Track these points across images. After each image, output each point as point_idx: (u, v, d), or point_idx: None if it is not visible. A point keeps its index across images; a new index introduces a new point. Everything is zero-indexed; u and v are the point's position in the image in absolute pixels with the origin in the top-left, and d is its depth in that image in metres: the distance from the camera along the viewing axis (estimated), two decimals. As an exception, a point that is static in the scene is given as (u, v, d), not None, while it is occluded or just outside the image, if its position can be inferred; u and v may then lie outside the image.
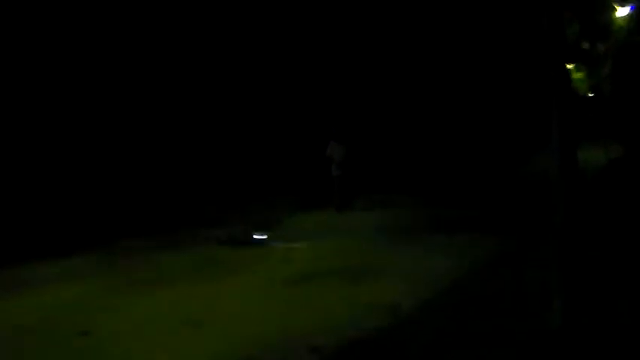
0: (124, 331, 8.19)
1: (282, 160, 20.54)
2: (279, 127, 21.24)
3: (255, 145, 20.75)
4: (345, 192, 16.94)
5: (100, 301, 9.66)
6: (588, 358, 5.69)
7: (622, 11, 10.32)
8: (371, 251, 11.95)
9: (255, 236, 14.02)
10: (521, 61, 24.72)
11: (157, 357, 7.25)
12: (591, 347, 5.75)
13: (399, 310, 8.12)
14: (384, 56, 23.61)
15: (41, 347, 7.79)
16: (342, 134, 17.17)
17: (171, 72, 18.82)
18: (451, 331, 7.02)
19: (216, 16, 19.62)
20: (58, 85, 16.38)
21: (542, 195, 6.78)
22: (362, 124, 21.57)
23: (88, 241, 14.12)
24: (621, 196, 12.64)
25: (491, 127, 26.00)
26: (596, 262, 7.39)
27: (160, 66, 18.49)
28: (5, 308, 9.72)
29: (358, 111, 22.45)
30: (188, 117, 19.33)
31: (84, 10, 16.10)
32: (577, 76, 10.97)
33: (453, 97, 25.34)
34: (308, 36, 21.59)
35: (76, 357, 7.42)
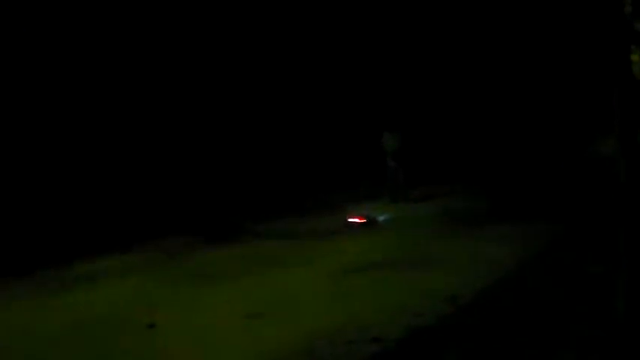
0: (187, 323, 8.31)
1: (336, 152, 20.56)
2: (331, 118, 21.27)
3: (307, 137, 20.80)
4: (400, 182, 16.90)
5: (161, 296, 9.81)
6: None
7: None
8: (427, 241, 11.95)
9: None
10: (584, 46, 24.31)
11: (221, 348, 7.33)
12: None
13: (457, 299, 8.11)
14: (440, 45, 23.45)
15: (109, 341, 7.93)
16: (396, 124, 17.14)
17: (220, 67, 18.99)
18: (509, 320, 6.98)
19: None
20: (98, 86, 16.63)
21: (606, 181, 6.67)
22: (417, 113, 21.45)
23: (142, 237, 14.28)
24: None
25: (554, 111, 25.63)
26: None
27: (206, 62, 18.66)
28: (70, 303, 9.89)
29: (414, 100, 22.33)
30: (240, 113, 19.48)
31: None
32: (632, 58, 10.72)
33: (514, 82, 25.03)
34: (367, 24, 21.55)
35: (144, 349, 7.54)
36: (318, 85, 21.33)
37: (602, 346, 5.90)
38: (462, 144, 22.51)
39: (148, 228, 14.76)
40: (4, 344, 8.09)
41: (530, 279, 8.51)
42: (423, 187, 17.92)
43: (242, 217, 15.80)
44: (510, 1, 24.05)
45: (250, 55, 19.82)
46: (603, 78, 5.60)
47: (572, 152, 22.98)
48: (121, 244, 13.64)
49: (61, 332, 8.36)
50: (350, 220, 14.46)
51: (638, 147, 5.67)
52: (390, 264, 10.39)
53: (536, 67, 25.58)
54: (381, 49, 22.38)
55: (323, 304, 8.65)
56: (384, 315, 7.83)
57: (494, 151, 22.28)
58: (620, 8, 5.24)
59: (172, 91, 18.06)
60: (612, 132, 5.49)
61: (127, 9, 17.00)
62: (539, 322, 6.83)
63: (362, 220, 14.41)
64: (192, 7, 18.31)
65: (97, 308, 9.40)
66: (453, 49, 23.80)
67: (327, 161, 20.16)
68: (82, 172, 15.99)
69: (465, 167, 20.41)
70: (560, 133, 24.84)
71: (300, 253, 12.03)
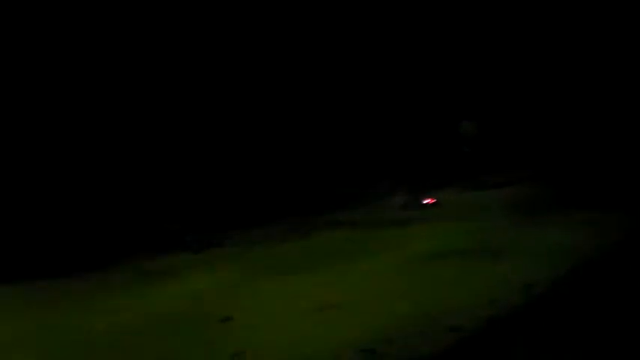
0: (263, 316, 8.41)
1: (413, 139, 20.54)
2: (408, 107, 21.25)
3: (383, 126, 20.83)
4: (476, 169, 16.85)
5: (235, 289, 9.96)
6: None
7: None
8: (502, 229, 11.77)
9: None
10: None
11: (297, 341, 7.37)
12: None
13: (532, 288, 8.03)
14: (515, 36, 23.19)
15: (186, 333, 8.10)
16: (473, 112, 17.11)
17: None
18: (584, 309, 6.98)
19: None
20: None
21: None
22: (493, 100, 21.26)
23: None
24: None
25: (623, 97, 25.06)
26: None
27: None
28: (147, 297, 10.14)
29: (490, 89, 22.15)
30: (309, 105, 19.57)
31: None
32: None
33: (586, 69, 24.59)
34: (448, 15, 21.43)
35: (221, 342, 7.63)
36: (397, 74, 21.30)
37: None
38: (537, 131, 22.21)
39: (224, 223, 15.03)
40: (92, 334, 8.48)
41: (607, 267, 8.42)
42: (498, 173, 17.77)
43: (313, 208, 15.95)
44: None
45: (320, 41, 19.82)
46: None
47: None
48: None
49: (142, 324, 8.65)
50: (424, 202, 15.20)
51: None
52: (462, 253, 10.30)
53: (607, 55, 25.05)
54: (459, 39, 22.23)
55: (395, 294, 8.63)
56: (459, 304, 7.80)
57: (568, 137, 21.92)
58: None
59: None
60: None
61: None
62: (617, 312, 6.79)
63: (433, 201, 15.18)
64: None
65: (172, 303, 9.61)
66: (527, 41, 23.49)
67: (401, 149, 20.13)
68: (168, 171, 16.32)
69: (540, 154, 20.13)
70: (630, 120, 24.28)
71: (369, 243, 12.06)
